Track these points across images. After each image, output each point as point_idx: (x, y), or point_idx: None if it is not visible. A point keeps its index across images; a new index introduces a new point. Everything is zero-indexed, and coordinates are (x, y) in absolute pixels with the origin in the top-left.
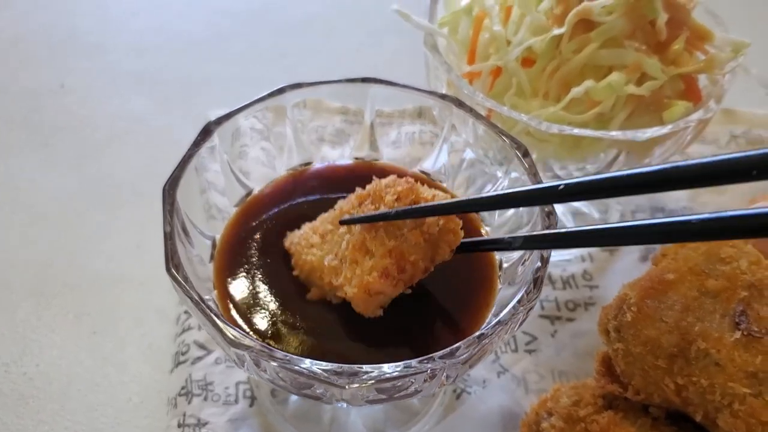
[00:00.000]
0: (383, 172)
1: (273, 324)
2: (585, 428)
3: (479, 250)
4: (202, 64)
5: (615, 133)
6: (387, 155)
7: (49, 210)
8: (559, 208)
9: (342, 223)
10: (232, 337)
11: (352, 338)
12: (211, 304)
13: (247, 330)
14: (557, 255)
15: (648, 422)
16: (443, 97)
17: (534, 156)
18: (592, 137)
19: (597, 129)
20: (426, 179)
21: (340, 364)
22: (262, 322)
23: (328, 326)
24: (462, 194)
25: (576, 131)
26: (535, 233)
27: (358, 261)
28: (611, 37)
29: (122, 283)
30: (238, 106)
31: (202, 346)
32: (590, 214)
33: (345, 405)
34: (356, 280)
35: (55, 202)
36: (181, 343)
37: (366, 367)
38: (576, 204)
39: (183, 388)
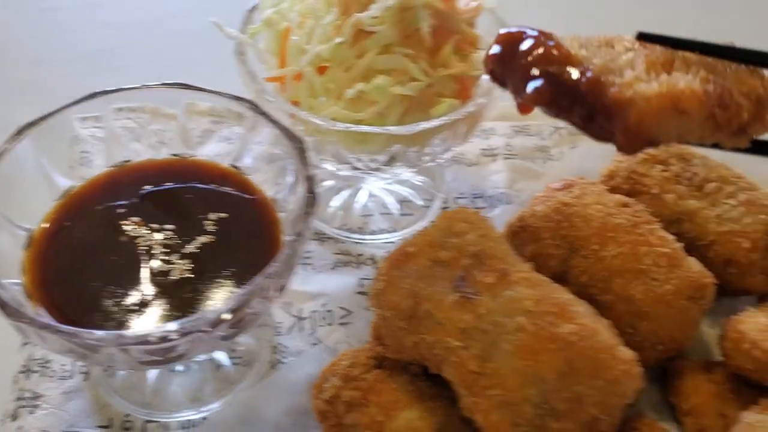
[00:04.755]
0: (197, 168)
1: (81, 303)
2: (357, 386)
3: None
4: None
5: (391, 129)
6: (202, 152)
7: None
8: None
9: (641, 38)
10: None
11: (149, 305)
12: (13, 287)
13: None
14: (389, 237)
15: (408, 379)
16: (238, 99)
17: (329, 149)
18: (371, 133)
19: (376, 125)
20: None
21: (106, 332)
22: (71, 302)
23: (131, 298)
24: (269, 189)
25: (358, 128)
26: None
27: (662, 72)
28: (386, 44)
29: None
30: (50, 111)
31: None
32: (414, 201)
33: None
34: (661, 86)
35: None
36: None
37: (127, 333)
38: (403, 192)
39: (24, 366)
